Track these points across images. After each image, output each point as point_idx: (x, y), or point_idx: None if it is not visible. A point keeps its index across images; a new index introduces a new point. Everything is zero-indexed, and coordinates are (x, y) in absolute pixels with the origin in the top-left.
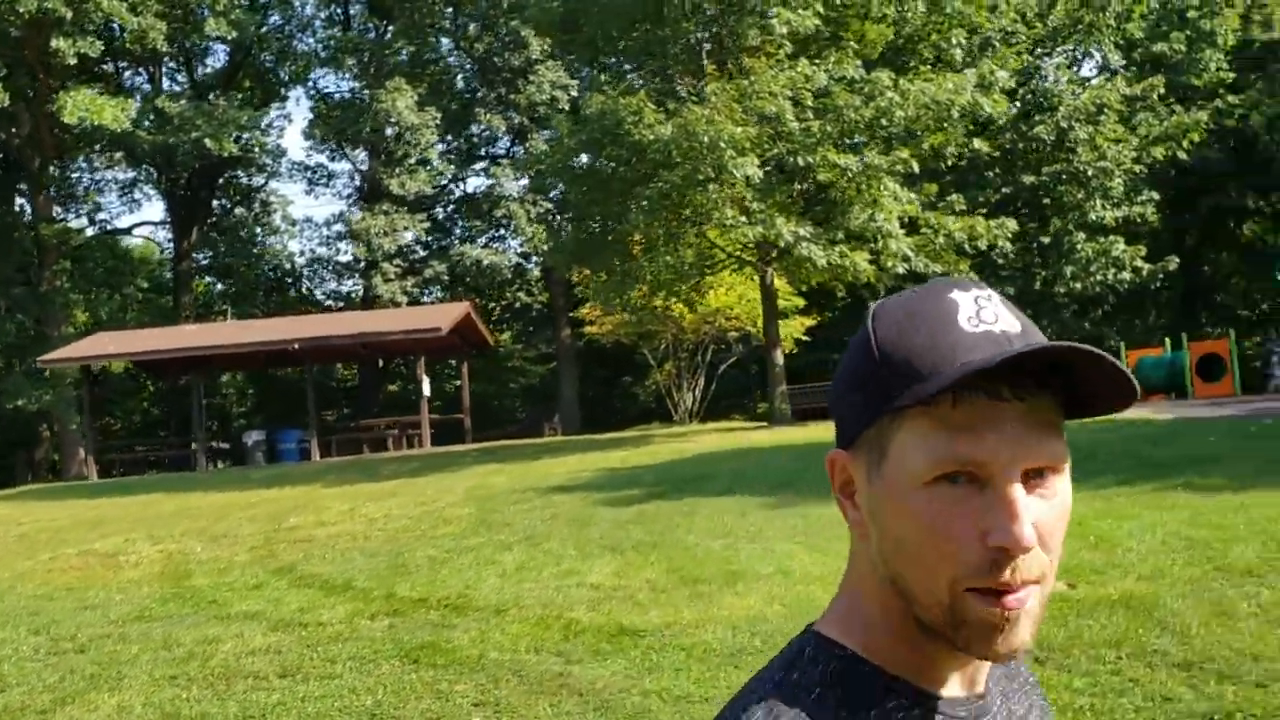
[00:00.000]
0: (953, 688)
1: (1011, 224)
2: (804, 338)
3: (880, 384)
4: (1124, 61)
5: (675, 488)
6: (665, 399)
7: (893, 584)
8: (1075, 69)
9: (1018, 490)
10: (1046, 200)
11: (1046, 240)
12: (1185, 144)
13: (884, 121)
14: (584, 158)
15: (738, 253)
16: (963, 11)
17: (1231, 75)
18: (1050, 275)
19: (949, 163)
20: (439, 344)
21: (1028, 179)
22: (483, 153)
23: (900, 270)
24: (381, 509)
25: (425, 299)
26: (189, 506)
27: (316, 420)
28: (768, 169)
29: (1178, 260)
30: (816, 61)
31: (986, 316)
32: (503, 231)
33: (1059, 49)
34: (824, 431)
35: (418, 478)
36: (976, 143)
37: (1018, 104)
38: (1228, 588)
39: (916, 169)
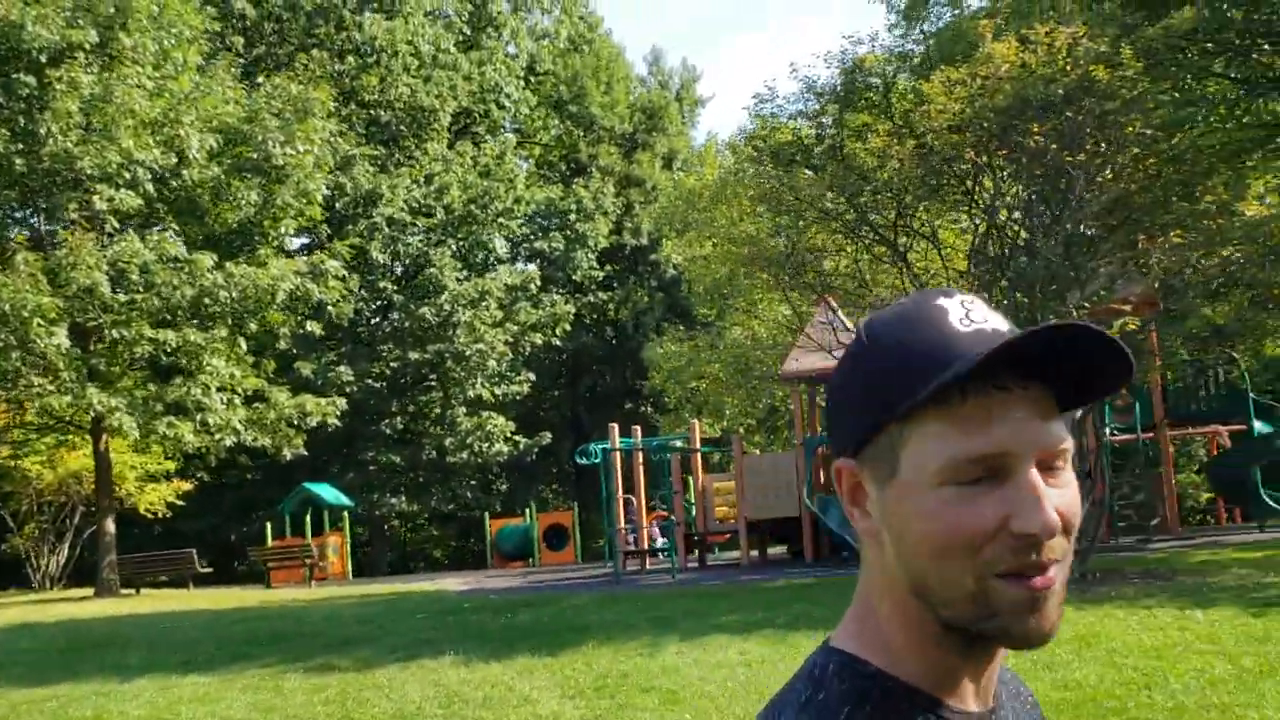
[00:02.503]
0: (968, 701)
1: (341, 403)
2: (178, 502)
3: (882, 390)
4: (510, 254)
5: None
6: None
7: (913, 587)
8: (466, 259)
9: (1036, 475)
10: (433, 376)
11: (434, 414)
12: (559, 331)
13: (208, 301)
14: None
15: (67, 417)
16: (293, 205)
17: (602, 273)
18: (436, 445)
19: (281, 343)
20: None
21: (414, 355)
22: None
23: (229, 442)
24: None
25: None
26: None
27: None
28: (91, 340)
29: (549, 435)
30: (148, 235)
31: (976, 317)
32: None
33: (452, 238)
34: (151, 601)
35: None
36: (310, 325)
37: (411, 288)
38: None
39: (244, 346)
